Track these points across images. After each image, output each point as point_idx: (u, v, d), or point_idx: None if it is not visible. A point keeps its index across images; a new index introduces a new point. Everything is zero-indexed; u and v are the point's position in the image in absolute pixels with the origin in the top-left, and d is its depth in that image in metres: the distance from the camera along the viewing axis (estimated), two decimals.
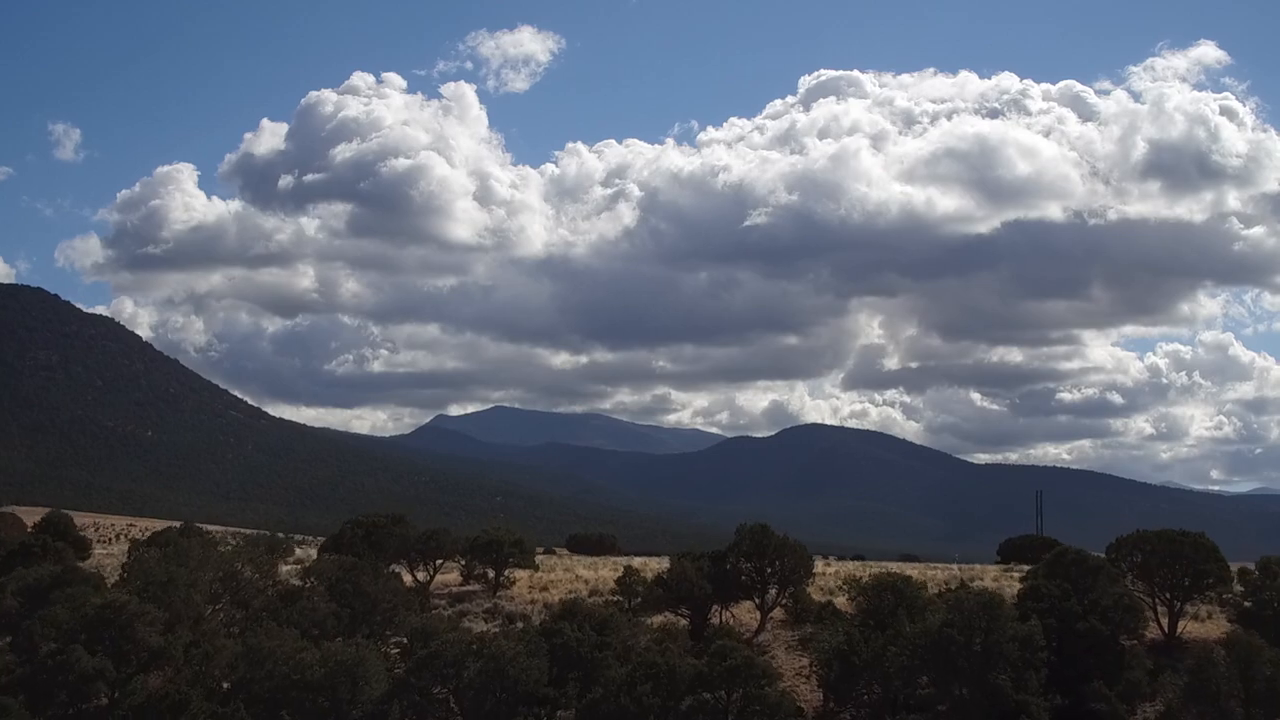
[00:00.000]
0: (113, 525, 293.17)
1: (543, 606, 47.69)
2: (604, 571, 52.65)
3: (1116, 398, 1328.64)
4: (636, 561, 64.38)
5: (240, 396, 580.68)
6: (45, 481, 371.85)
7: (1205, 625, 66.85)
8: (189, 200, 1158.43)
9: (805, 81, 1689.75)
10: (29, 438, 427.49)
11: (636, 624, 37.39)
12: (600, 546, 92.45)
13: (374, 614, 39.48)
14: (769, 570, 44.34)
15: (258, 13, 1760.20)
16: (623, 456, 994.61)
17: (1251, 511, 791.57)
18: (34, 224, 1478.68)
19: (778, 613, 47.28)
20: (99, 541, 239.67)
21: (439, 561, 51.16)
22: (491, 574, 51.70)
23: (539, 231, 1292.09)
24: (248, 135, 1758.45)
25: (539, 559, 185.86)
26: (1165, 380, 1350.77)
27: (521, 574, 54.85)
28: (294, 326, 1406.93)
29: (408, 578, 51.73)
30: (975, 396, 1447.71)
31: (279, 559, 59.01)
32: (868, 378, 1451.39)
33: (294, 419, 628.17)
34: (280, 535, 61.99)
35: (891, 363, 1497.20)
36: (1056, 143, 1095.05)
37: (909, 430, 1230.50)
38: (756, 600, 45.33)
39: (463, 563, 51.57)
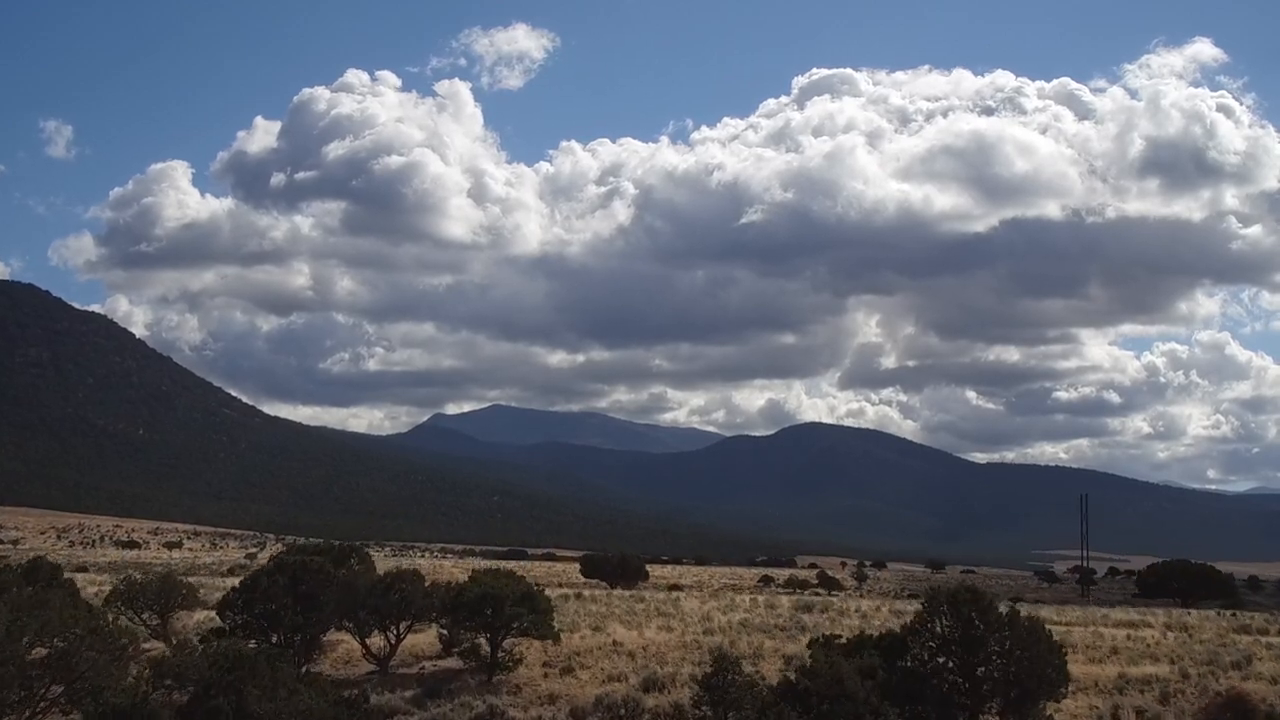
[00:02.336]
0: (98, 527, 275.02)
1: (569, 712, 28.15)
2: (654, 632, 33.30)
3: (1114, 397, 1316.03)
4: (687, 602, 44.52)
5: (235, 395, 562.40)
6: (33, 481, 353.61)
7: None
8: (182, 198, 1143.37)
9: (799, 80, 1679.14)
10: (18, 436, 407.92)
11: None
12: (623, 570, 69.01)
13: None
14: (981, 671, 23.70)
15: (253, 10, 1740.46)
16: (620, 455, 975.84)
17: (1253, 510, 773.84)
18: (27, 221, 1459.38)
19: None
20: (80, 544, 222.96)
21: (405, 624, 31.25)
22: (486, 646, 31.45)
23: (534, 230, 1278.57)
24: (241, 133, 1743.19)
25: (536, 563, 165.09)
26: (1163, 379, 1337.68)
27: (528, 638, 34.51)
28: (288, 325, 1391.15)
29: (356, 646, 32.01)
30: (971, 395, 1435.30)
31: (179, 610, 39.47)
32: (864, 376, 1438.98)
33: (290, 418, 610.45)
34: (182, 576, 41.19)
35: (889, 361, 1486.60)
36: (1053, 140, 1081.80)
37: (906, 429, 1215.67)
38: None
39: (442, 625, 31.32)
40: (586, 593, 48.01)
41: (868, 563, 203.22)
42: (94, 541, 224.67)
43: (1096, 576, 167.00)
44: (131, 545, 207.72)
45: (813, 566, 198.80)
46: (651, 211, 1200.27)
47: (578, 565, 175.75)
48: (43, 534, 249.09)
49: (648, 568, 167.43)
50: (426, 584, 28.46)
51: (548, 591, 59.90)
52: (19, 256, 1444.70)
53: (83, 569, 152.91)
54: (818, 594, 67.99)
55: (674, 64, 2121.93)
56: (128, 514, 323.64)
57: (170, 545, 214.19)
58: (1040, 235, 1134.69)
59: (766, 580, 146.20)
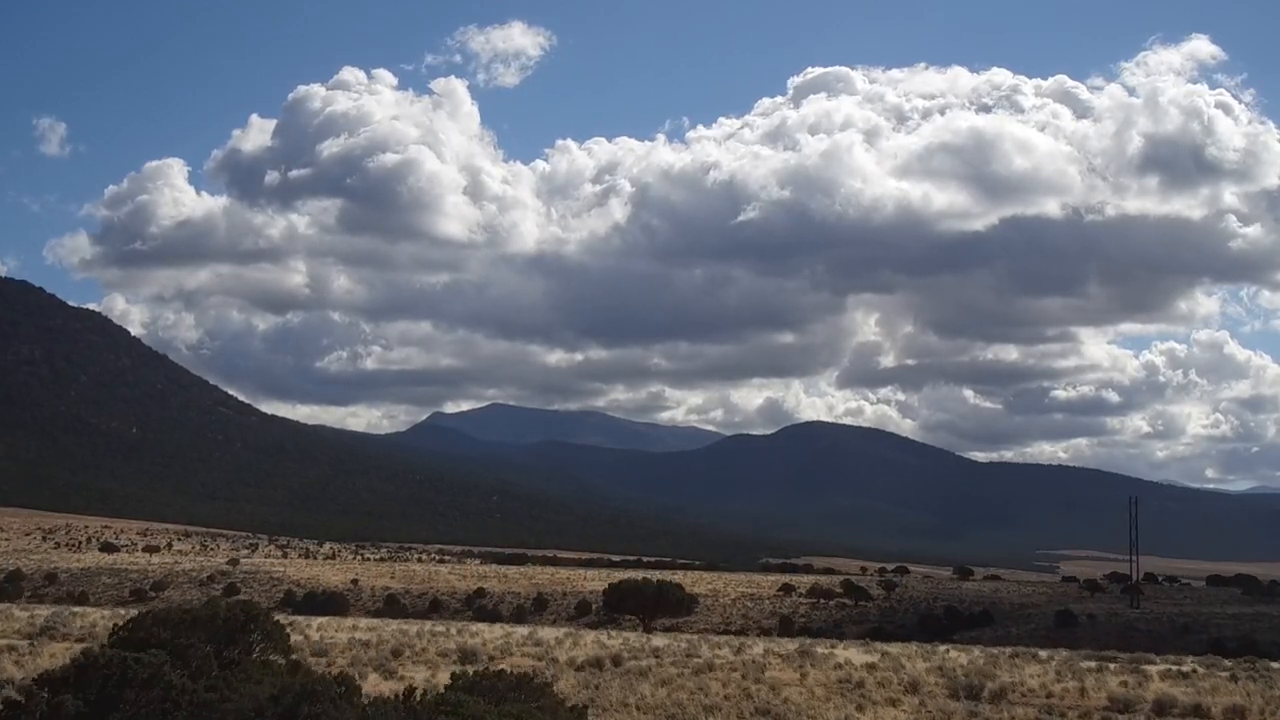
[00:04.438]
0: (86, 528, 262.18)
1: None
2: None
3: (1112, 396, 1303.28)
4: (778, 672, 29.96)
5: (231, 393, 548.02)
6: (23, 481, 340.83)
7: None
8: (178, 195, 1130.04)
9: (795, 79, 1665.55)
10: (8, 434, 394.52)
11: None
12: (660, 602, 50.96)
13: None
14: None
15: (248, 8, 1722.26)
16: (620, 454, 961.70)
17: (1256, 509, 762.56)
18: (21, 220, 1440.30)
19: None
20: (65, 546, 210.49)
21: None
22: None
23: (531, 228, 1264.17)
24: (236, 131, 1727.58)
25: (538, 567, 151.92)
26: (1162, 378, 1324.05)
27: None
28: (285, 323, 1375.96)
29: None
30: (969, 394, 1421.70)
31: None
32: (863, 375, 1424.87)
33: (289, 416, 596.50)
34: None
35: (887, 360, 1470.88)
36: (1052, 137, 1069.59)
37: (904, 428, 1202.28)
38: None
39: None
40: (625, 649, 33.97)
41: (889, 568, 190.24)
42: (80, 544, 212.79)
43: (1127, 582, 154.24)
44: (111, 548, 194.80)
45: (829, 571, 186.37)
46: (648, 210, 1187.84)
47: (583, 571, 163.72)
48: (28, 535, 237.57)
49: (653, 577, 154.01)
50: (366, 701, 14.96)
51: (563, 629, 46.41)
52: (14, 255, 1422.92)
53: (52, 576, 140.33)
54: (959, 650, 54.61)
55: (670, 63, 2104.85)
56: (119, 514, 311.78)
57: (151, 549, 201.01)
58: (1039, 234, 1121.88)
59: (787, 589, 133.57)
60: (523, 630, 41.49)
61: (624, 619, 63.38)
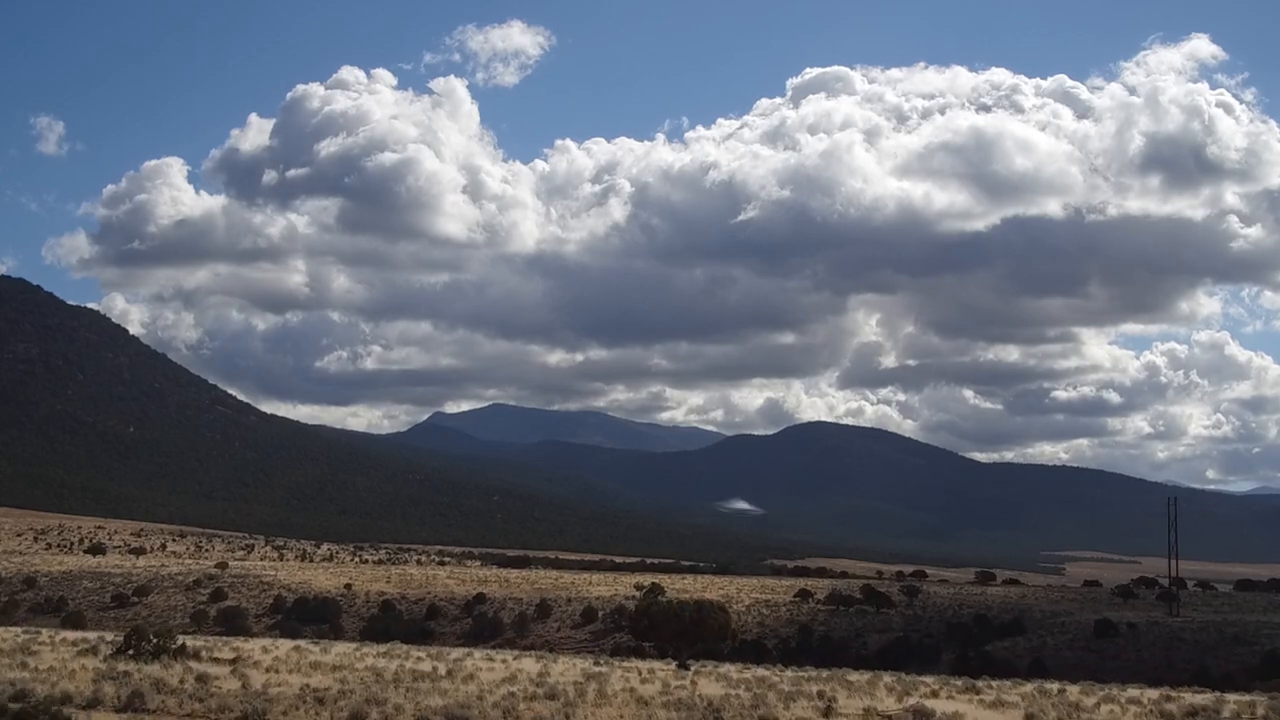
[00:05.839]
0: (79, 528, 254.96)
1: None
2: None
3: (1114, 396, 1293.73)
4: None
5: (230, 392, 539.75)
6: (18, 480, 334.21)
7: None
8: (176, 195, 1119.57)
9: (794, 80, 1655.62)
10: (5, 434, 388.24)
11: None
12: (700, 628, 41.41)
13: None
14: None
15: (247, 7, 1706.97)
16: (621, 454, 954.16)
17: (1258, 511, 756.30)
18: (20, 219, 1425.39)
19: None
20: (56, 548, 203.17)
21: None
22: None
23: (531, 228, 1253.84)
24: (235, 130, 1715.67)
25: (541, 571, 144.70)
26: (1163, 379, 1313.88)
27: None
28: (284, 323, 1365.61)
29: None
30: (969, 394, 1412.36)
31: None
32: (863, 375, 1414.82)
33: (289, 416, 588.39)
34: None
35: (888, 360, 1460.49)
36: (1053, 137, 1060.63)
37: (905, 429, 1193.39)
38: None
39: None
40: (669, 702, 25.05)
41: (906, 571, 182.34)
42: (72, 544, 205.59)
43: (1160, 588, 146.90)
44: (99, 550, 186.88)
45: (843, 575, 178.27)
46: (648, 210, 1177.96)
47: (588, 575, 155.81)
48: (20, 535, 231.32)
49: (663, 582, 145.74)
50: None
51: (580, 665, 38.30)
52: (13, 254, 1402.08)
53: (31, 580, 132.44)
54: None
55: (669, 63, 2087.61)
56: (114, 515, 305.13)
57: (137, 551, 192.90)
58: (1040, 234, 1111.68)
59: (804, 595, 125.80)
60: (531, 667, 33.09)
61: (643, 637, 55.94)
